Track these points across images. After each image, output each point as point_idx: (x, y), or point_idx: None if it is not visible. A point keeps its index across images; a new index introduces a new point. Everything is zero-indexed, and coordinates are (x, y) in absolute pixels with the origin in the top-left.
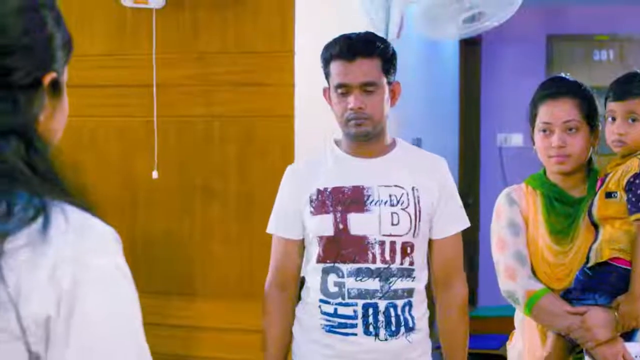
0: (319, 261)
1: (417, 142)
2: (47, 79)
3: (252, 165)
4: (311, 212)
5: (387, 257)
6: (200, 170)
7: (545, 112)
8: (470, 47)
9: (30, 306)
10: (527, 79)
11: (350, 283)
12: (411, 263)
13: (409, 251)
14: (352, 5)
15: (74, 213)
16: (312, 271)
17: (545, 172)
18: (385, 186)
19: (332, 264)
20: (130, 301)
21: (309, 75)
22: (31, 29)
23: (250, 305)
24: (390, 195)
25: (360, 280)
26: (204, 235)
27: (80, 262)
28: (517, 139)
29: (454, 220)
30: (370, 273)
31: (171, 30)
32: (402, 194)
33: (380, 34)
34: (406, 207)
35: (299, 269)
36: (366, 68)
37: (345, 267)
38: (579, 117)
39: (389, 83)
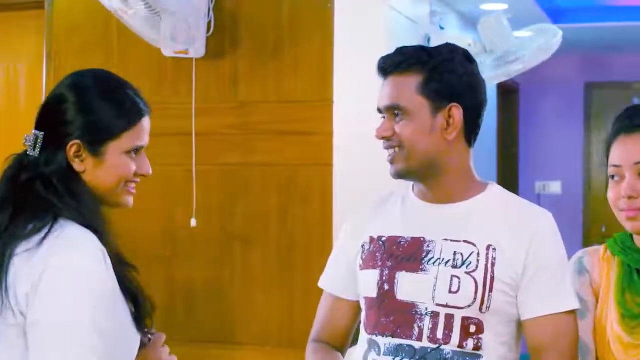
0: (364, 330)
1: None
2: (68, 146)
3: (291, 214)
4: (360, 265)
5: (439, 335)
6: (239, 218)
7: (615, 151)
8: (508, 96)
9: (21, 288)
10: (566, 127)
11: None
12: (477, 347)
13: (472, 330)
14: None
15: (74, 231)
16: (360, 344)
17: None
18: (451, 241)
19: (371, 336)
20: (74, 289)
21: (348, 124)
22: (54, 117)
23: (291, 354)
24: (455, 253)
25: None
26: (244, 284)
27: (48, 261)
28: (555, 187)
29: (550, 295)
30: (412, 353)
31: (211, 79)
32: (472, 253)
33: None
34: (473, 271)
35: (349, 331)
36: (394, 87)
37: (383, 342)
38: None
39: (438, 107)
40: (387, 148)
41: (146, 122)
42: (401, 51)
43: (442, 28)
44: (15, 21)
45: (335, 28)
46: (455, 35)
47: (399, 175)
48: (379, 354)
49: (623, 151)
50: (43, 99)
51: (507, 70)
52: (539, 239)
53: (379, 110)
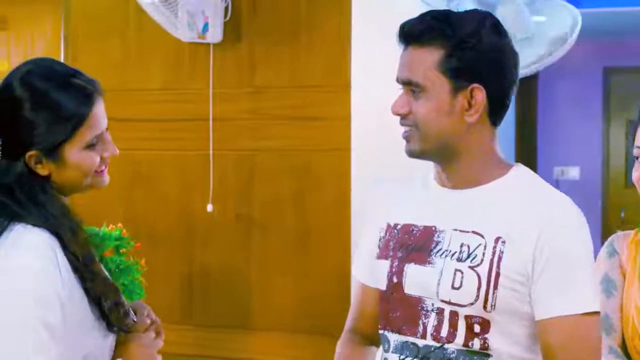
0: (379, 324)
1: None
2: (27, 155)
3: (308, 199)
4: (377, 253)
5: (443, 333)
6: (256, 203)
7: (639, 132)
8: (526, 81)
9: None
10: (584, 112)
11: None
12: (484, 347)
13: (477, 330)
14: None
15: (27, 233)
16: None
17: None
18: (460, 231)
19: (382, 331)
20: (16, 289)
21: (365, 109)
22: (9, 124)
23: (307, 339)
24: (461, 245)
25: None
26: (260, 269)
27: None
28: (574, 172)
29: (559, 295)
30: (415, 351)
31: (228, 64)
32: (479, 245)
33: None
34: (477, 265)
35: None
36: (412, 60)
37: (392, 339)
38: None
39: (458, 87)
40: (402, 125)
41: (98, 107)
42: (423, 19)
43: None
44: (32, 4)
45: (353, 11)
46: None
47: (413, 154)
48: (387, 351)
49: None
50: None
51: (530, 60)
52: (550, 230)
53: (397, 80)
